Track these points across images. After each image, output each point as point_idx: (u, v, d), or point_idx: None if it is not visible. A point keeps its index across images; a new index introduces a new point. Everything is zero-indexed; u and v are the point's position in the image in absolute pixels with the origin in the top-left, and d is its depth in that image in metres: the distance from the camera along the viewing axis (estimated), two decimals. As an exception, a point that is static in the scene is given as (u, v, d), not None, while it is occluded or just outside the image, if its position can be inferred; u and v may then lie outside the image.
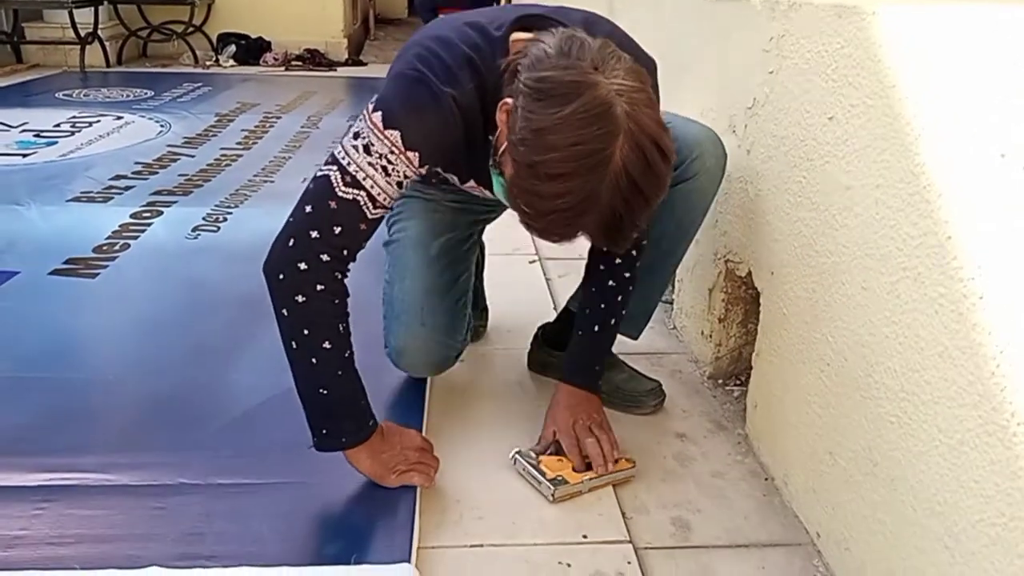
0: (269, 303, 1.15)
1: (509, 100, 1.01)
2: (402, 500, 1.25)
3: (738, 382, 1.68)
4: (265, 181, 2.98)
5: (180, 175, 3.01)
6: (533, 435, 1.43)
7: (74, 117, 3.91)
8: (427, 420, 1.49)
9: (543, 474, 1.32)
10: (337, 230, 1.10)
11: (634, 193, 0.96)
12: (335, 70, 5.94)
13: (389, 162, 1.10)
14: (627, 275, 1.38)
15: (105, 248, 2.25)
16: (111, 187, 2.82)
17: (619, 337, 1.50)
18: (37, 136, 3.53)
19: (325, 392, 1.18)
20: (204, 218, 2.52)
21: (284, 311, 1.13)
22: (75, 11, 5.30)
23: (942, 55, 0.95)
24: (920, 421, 0.98)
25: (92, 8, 5.46)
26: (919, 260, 0.98)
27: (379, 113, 1.10)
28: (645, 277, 1.45)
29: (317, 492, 1.28)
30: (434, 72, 1.11)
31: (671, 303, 2.02)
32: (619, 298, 1.39)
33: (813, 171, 1.25)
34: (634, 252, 1.36)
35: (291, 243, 1.11)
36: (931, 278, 0.95)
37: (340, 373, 1.17)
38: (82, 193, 2.73)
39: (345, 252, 1.12)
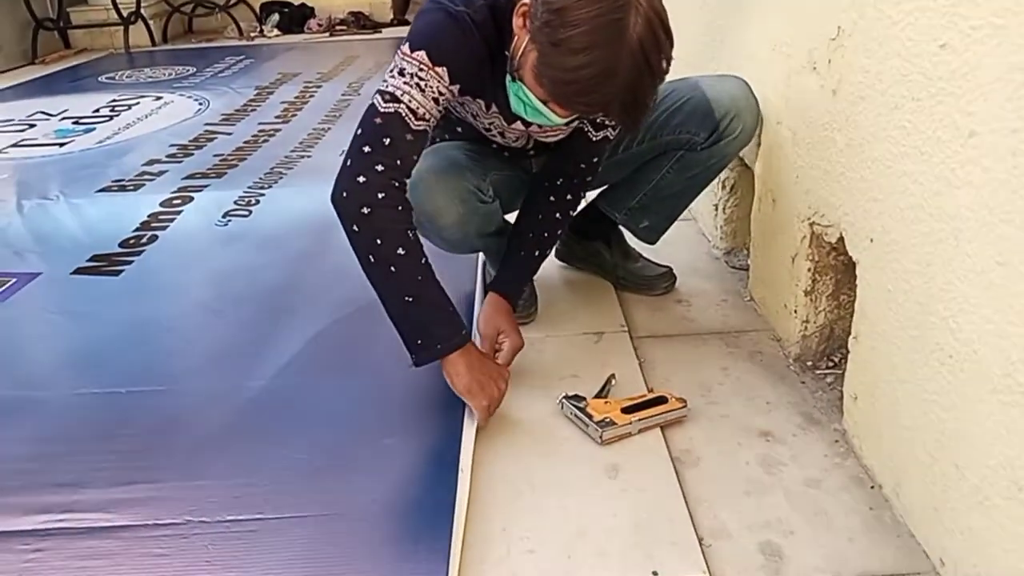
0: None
1: (525, 1, 1.11)
2: (438, 532, 1.07)
3: (831, 364, 1.44)
4: (302, 156, 2.81)
5: (215, 155, 2.86)
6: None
7: (114, 101, 3.81)
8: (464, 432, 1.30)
9: (590, 417, 1.29)
10: (387, 141, 1.19)
11: (647, 67, 1.06)
12: (380, 32, 5.74)
13: (421, 79, 1.19)
14: (570, 212, 1.52)
15: (132, 242, 2.12)
16: (143, 173, 2.69)
17: (659, 247, 1.74)
18: (76, 123, 3.44)
19: (411, 299, 1.22)
20: (236, 202, 2.37)
21: (354, 227, 1.20)
22: (117, -9, 5.21)
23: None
24: (1089, 442, 0.74)
25: (134, -13, 5.38)
26: (1082, 229, 0.73)
27: (407, 43, 1.21)
28: (671, 199, 1.64)
29: (339, 527, 1.11)
30: (449, 0, 1.21)
31: (746, 269, 1.78)
32: (558, 232, 1.51)
33: (921, 113, 0.99)
34: (582, 193, 1.52)
35: (349, 163, 1.21)
36: (1102, 254, 0.71)
37: (420, 278, 1.23)
38: (113, 182, 2.61)
39: (399, 162, 1.20)
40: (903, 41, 1.02)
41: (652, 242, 1.73)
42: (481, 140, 1.52)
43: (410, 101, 1.19)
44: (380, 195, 1.19)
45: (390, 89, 1.20)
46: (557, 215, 1.49)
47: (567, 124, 1.33)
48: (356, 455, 1.25)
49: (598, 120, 1.41)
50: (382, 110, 1.19)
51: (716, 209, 1.93)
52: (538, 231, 1.50)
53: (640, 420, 1.29)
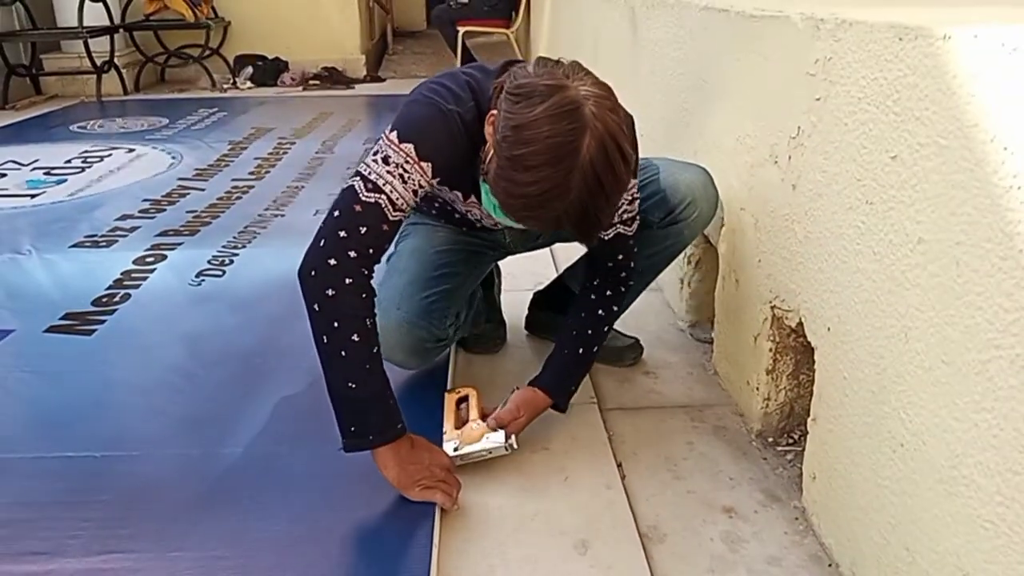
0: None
1: (495, 111, 1.15)
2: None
3: (791, 440, 1.50)
4: (276, 215, 2.85)
5: (188, 212, 2.88)
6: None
7: (86, 152, 3.82)
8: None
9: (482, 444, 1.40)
10: (363, 230, 1.22)
11: (598, 187, 1.08)
12: (353, 88, 5.82)
13: (405, 171, 1.23)
14: (615, 308, 1.53)
15: (105, 300, 2.13)
16: (116, 228, 2.70)
17: (625, 317, 1.73)
18: (47, 174, 3.44)
19: (353, 386, 1.24)
20: (210, 261, 2.39)
21: (316, 306, 1.22)
22: (91, 40, 5.24)
23: (1040, 89, 0.78)
24: (1026, 535, 0.80)
25: (108, 36, 5.42)
26: (1016, 339, 0.80)
27: (395, 132, 1.25)
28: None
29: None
30: (441, 96, 1.27)
31: (710, 342, 1.84)
32: (604, 329, 1.53)
33: (874, 216, 1.07)
34: (622, 288, 1.53)
35: (322, 243, 1.23)
36: (1036, 363, 0.78)
37: (368, 367, 1.24)
38: (86, 237, 2.61)
39: (371, 250, 1.24)
40: (858, 148, 1.11)
41: None
42: (453, 220, 1.59)
43: (391, 192, 1.23)
44: (347, 280, 1.21)
45: (373, 177, 1.23)
46: (600, 311, 1.51)
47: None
48: (331, 527, 1.28)
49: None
50: (363, 198, 1.22)
51: (682, 283, 2.00)
52: (583, 329, 1.51)
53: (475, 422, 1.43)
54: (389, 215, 1.23)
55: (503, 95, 1.13)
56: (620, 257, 1.50)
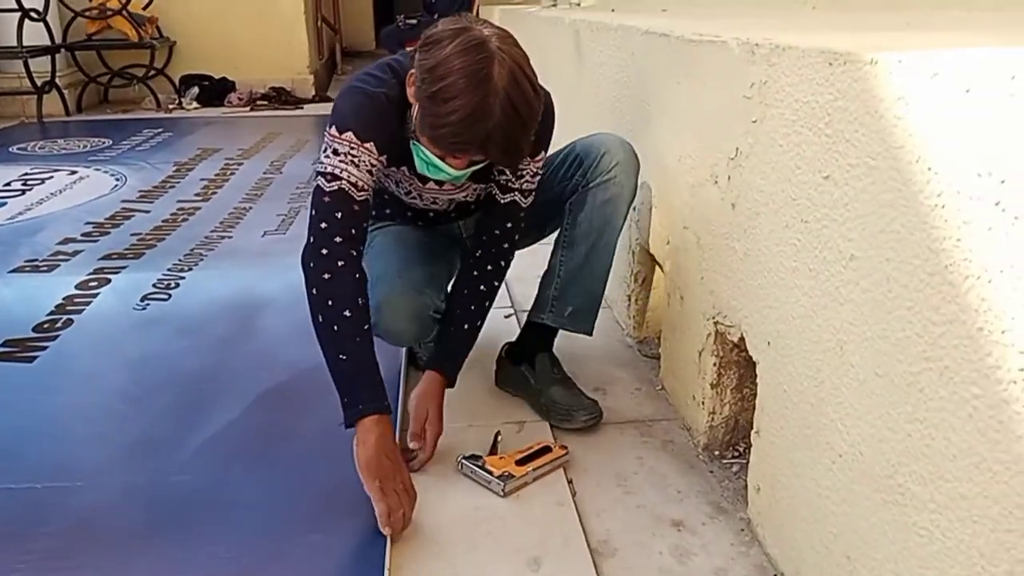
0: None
1: (413, 71, 1.28)
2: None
3: (736, 453, 1.53)
4: (223, 237, 2.81)
5: (133, 234, 2.84)
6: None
7: (26, 174, 3.74)
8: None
9: (490, 473, 1.44)
10: (339, 215, 1.33)
11: (514, 110, 1.21)
12: (302, 108, 5.80)
13: (354, 156, 1.33)
14: (495, 283, 1.59)
15: (46, 326, 2.08)
16: (58, 253, 2.65)
17: (576, 336, 1.72)
18: (-14, 197, 3.36)
19: (344, 358, 1.32)
20: (155, 284, 2.35)
21: (314, 290, 1.33)
22: (31, 60, 5.14)
23: (960, 110, 0.81)
24: (957, 540, 0.83)
25: (49, 56, 5.32)
26: (944, 351, 0.83)
27: (334, 126, 1.35)
28: (582, 271, 1.65)
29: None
30: (364, 83, 1.38)
31: (658, 358, 1.87)
32: (487, 303, 1.59)
33: (809, 234, 1.11)
34: (502, 263, 1.58)
35: (312, 239, 1.35)
36: (961, 375, 0.81)
37: (358, 339, 1.33)
38: (26, 262, 2.56)
39: (353, 231, 1.35)
40: (792, 168, 1.14)
41: (586, 331, 1.70)
42: (408, 218, 1.67)
43: (349, 176, 1.33)
44: (340, 263, 1.32)
45: (329, 169, 1.34)
46: (482, 287, 1.57)
47: (469, 180, 1.47)
48: (282, 553, 1.26)
49: (502, 181, 1.51)
50: (327, 189, 1.33)
51: (629, 300, 2.03)
52: (466, 305, 1.57)
53: (534, 470, 1.46)
54: (355, 196, 1.34)
55: (416, 53, 1.26)
56: (508, 225, 1.55)
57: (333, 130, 1.35)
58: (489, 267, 1.57)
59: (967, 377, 0.80)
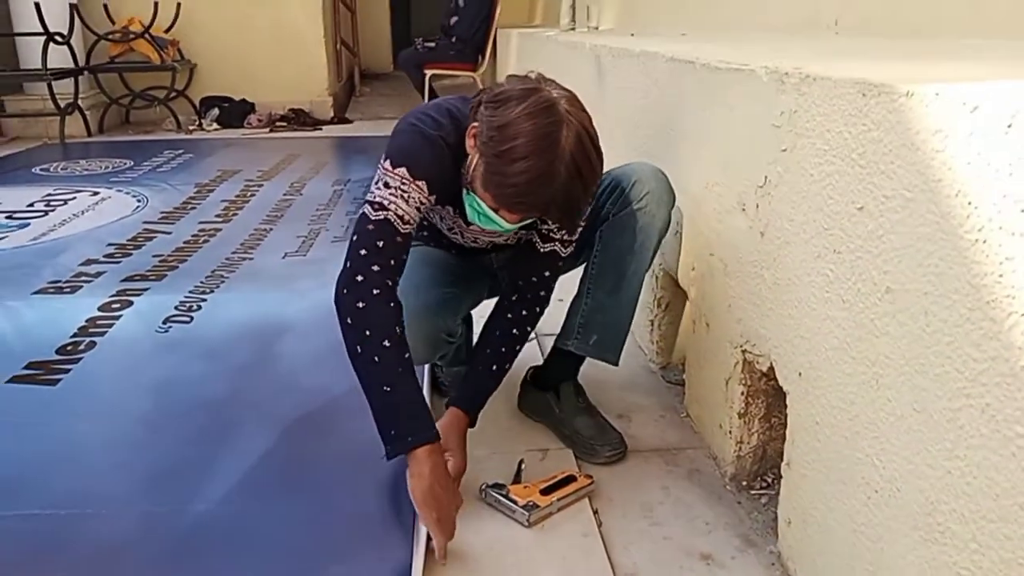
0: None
1: (475, 124, 1.29)
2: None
3: (764, 484, 1.51)
4: (244, 258, 2.82)
5: (155, 256, 2.86)
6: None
7: (49, 195, 3.77)
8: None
9: (515, 502, 1.42)
10: (380, 244, 1.33)
11: (578, 174, 1.22)
12: (320, 129, 5.84)
13: (404, 191, 1.34)
14: (528, 328, 1.58)
15: (69, 348, 2.09)
16: (81, 274, 2.66)
17: (602, 364, 1.68)
18: (9, 218, 3.39)
19: (389, 390, 1.31)
20: (177, 307, 2.36)
21: (348, 319, 1.32)
22: (55, 82, 5.20)
23: (1001, 144, 0.80)
24: (1002, 583, 0.81)
25: (72, 79, 5.38)
26: (986, 389, 0.82)
27: (388, 160, 1.37)
28: (609, 300, 1.64)
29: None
30: (424, 123, 1.38)
31: (682, 384, 1.86)
32: (517, 347, 1.58)
33: (842, 265, 1.09)
34: (537, 309, 1.57)
35: (348, 265, 1.35)
36: (1004, 413, 0.79)
37: (401, 370, 1.32)
38: (49, 283, 2.57)
39: (392, 262, 1.35)
40: (824, 198, 1.13)
41: (612, 361, 1.67)
42: (443, 245, 1.67)
43: (396, 209, 1.34)
44: (375, 291, 1.32)
45: (378, 199, 1.34)
46: (514, 331, 1.55)
47: (516, 232, 1.46)
48: (306, 583, 1.26)
49: (544, 230, 1.51)
50: (373, 218, 1.34)
51: (652, 325, 2.02)
52: (496, 346, 1.55)
53: (559, 500, 1.44)
54: (399, 228, 1.34)
55: (481, 108, 1.27)
56: (547, 274, 1.56)
57: (387, 164, 1.36)
58: (524, 312, 1.56)
59: (1010, 416, 0.78)
